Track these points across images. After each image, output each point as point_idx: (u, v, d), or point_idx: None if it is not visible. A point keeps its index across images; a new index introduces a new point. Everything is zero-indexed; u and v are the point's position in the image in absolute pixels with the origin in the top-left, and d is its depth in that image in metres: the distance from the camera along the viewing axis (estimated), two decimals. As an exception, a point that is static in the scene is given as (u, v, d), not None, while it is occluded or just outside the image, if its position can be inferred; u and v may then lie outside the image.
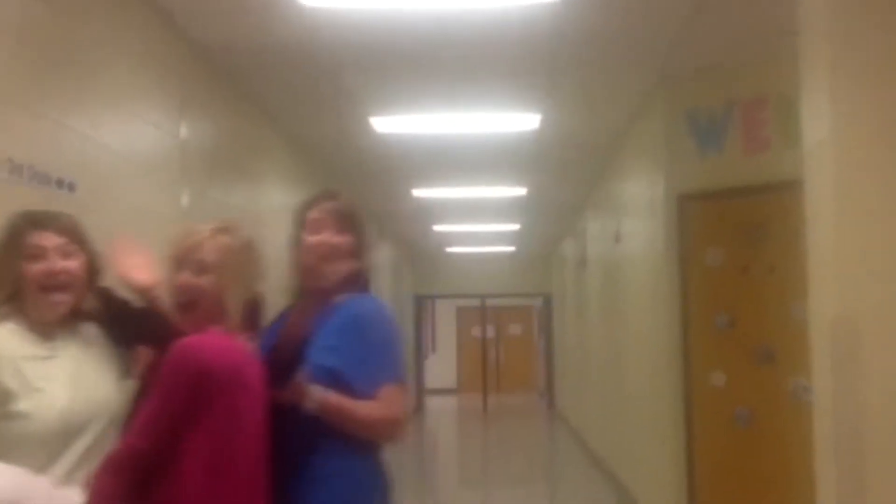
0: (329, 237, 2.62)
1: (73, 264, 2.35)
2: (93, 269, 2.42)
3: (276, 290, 2.65)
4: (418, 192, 9.68)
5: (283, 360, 2.45)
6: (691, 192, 5.49)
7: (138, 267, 2.56)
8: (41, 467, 2.19)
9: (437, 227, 12.65)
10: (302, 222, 2.67)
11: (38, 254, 2.31)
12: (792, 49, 3.58)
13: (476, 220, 12.19)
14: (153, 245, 2.61)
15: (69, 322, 2.37)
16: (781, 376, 4.91)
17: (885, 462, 3.07)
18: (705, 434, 5.35)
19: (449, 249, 15.42)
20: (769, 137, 5.09)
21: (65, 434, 2.24)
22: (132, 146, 4.15)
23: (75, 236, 2.39)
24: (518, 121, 6.61)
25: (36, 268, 2.30)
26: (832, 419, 3.24)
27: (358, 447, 2.50)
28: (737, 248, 5.23)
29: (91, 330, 2.43)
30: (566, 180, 9.33)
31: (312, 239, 2.62)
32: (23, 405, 2.20)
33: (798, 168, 3.60)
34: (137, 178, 4.19)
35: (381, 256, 12.92)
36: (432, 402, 18.15)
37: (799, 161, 3.60)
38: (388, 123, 6.60)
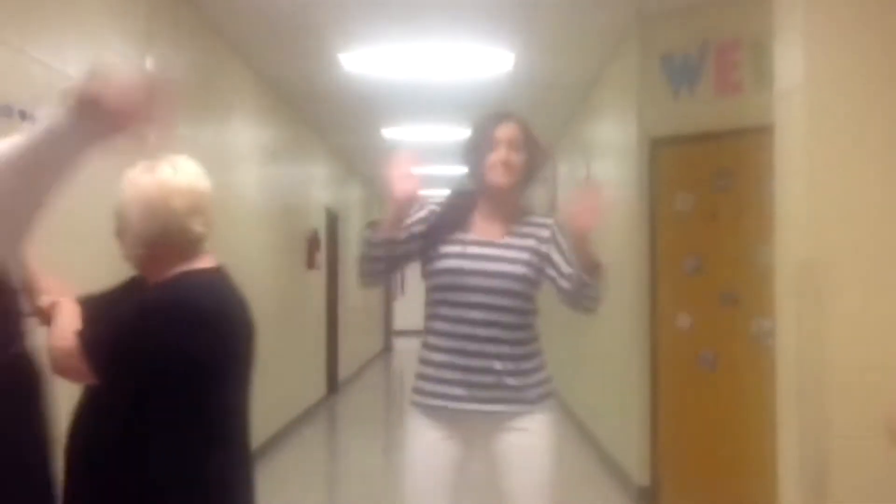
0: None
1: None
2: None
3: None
4: (388, 132, 9.59)
5: None
6: (663, 136, 5.48)
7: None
8: None
9: (408, 168, 12.57)
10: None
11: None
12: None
13: (448, 162, 12.11)
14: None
15: None
16: (744, 319, 4.96)
17: (847, 404, 3.12)
18: (670, 376, 5.42)
19: (421, 191, 15.36)
20: (741, 80, 5.07)
21: None
22: (97, 78, 4.05)
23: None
24: (491, 60, 6.53)
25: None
26: (795, 361, 3.28)
27: None
28: (706, 193, 5.24)
29: None
30: (538, 122, 9.22)
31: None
32: None
33: (767, 113, 3.59)
34: (102, 111, 4.10)
35: (352, 196, 12.85)
36: (400, 343, 18.24)
37: (769, 106, 3.59)
38: (357, 61, 6.51)
